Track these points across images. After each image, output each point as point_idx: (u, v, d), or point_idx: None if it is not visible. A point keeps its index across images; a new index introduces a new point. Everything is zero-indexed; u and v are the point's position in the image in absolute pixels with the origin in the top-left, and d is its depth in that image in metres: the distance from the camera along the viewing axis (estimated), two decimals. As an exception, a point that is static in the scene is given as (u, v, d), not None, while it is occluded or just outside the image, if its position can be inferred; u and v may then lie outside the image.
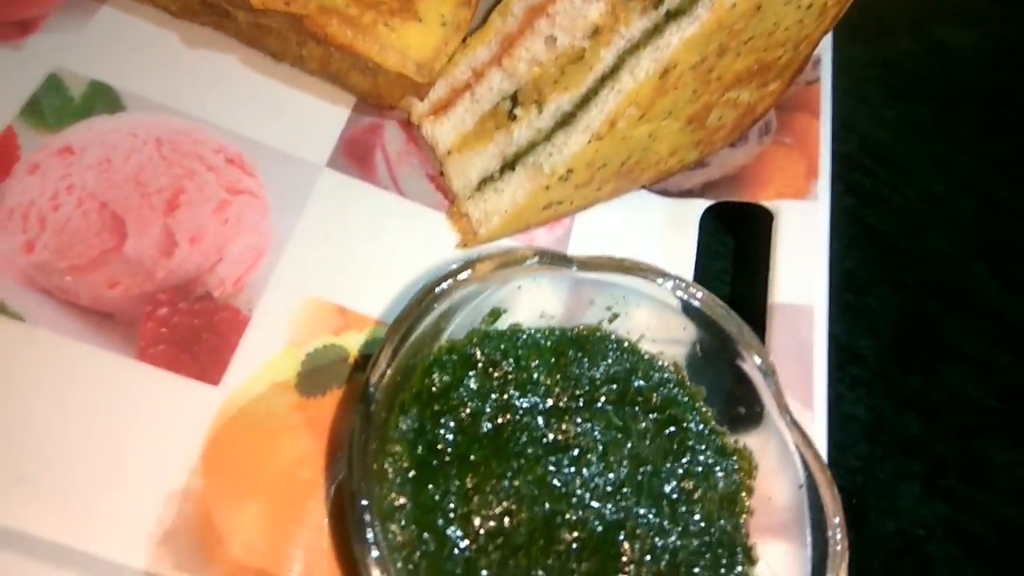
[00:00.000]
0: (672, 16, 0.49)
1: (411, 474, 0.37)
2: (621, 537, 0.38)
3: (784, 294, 0.55)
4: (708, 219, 0.61)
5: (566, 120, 0.52)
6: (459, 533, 0.36)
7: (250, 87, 0.55)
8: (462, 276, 0.38)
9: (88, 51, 0.52)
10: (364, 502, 0.33)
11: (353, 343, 0.48)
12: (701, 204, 0.61)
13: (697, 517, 0.40)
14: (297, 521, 0.42)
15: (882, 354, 0.63)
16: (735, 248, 0.64)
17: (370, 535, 0.32)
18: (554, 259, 0.41)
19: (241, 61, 0.55)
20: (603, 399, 0.42)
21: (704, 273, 0.60)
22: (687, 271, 0.59)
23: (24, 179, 0.47)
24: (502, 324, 0.42)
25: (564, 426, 0.40)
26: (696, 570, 0.38)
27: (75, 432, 0.41)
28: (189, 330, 0.45)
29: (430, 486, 0.37)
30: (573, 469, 0.39)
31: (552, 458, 0.39)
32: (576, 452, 0.40)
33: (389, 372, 0.36)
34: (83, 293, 0.44)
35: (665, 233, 0.60)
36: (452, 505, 0.37)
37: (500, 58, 0.55)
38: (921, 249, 0.70)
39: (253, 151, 0.52)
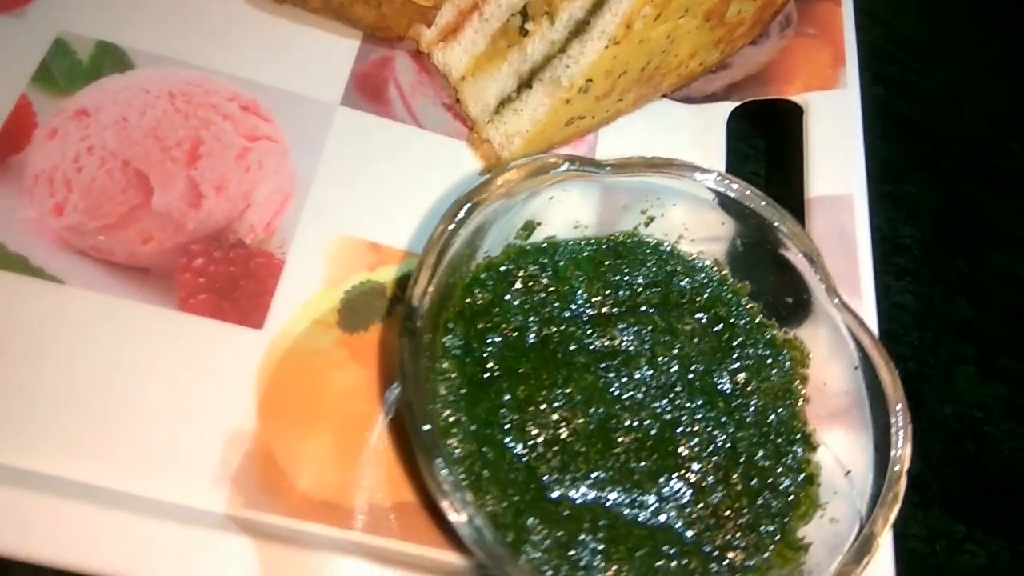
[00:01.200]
0: (681, -96, 0.47)
1: (463, 390, 0.37)
2: (677, 435, 0.38)
3: (821, 187, 0.54)
4: (735, 122, 0.59)
5: (580, 28, 0.50)
6: (517, 443, 0.36)
7: (256, 32, 0.54)
8: (491, 187, 0.38)
9: (90, 11, 0.51)
10: (426, 426, 0.33)
11: (388, 277, 0.48)
12: (727, 107, 0.59)
13: (752, 409, 0.39)
14: (355, 451, 0.42)
15: (925, 241, 0.62)
16: (766, 148, 0.62)
17: (436, 453, 0.32)
18: (584, 164, 0.40)
19: (244, 5, 0.54)
20: (646, 303, 0.41)
21: (735, 174, 0.58)
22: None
23: (44, 144, 0.47)
24: (537, 237, 0.42)
25: (610, 332, 0.40)
26: (756, 460, 0.38)
27: (130, 387, 0.42)
28: (226, 278, 0.45)
29: (483, 400, 0.37)
30: (623, 373, 0.39)
31: (601, 364, 0.39)
32: (624, 357, 0.40)
33: (430, 291, 0.35)
34: (117, 250, 0.45)
35: (692, 140, 0.58)
36: (507, 417, 0.37)
37: (505, -28, 0.53)
38: (956, 134, 0.68)
39: (266, 96, 0.51)
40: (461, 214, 0.36)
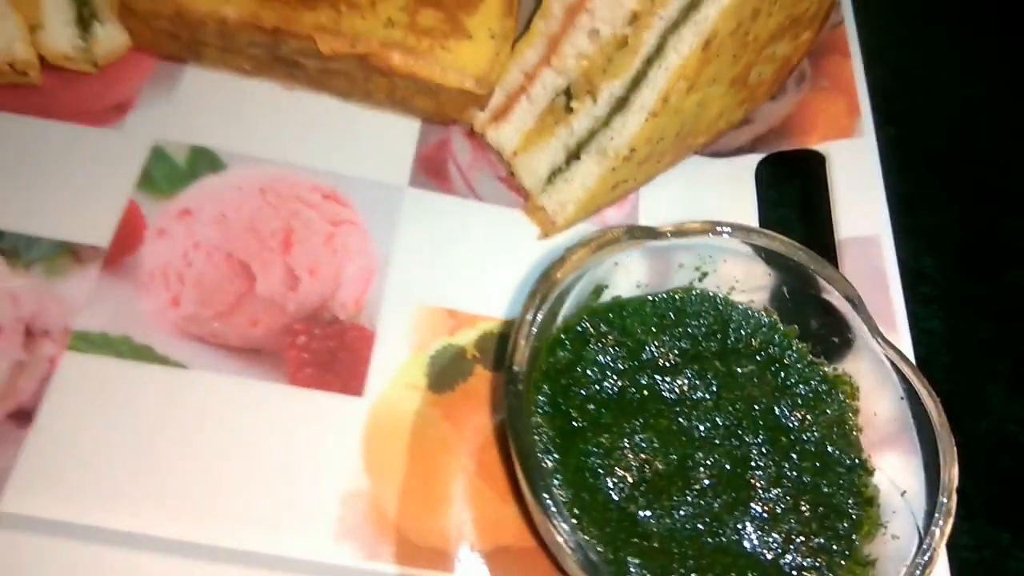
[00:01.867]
0: (706, -8, 0.53)
1: (556, 441, 0.42)
2: (749, 468, 0.43)
3: (850, 229, 0.59)
4: (763, 171, 0.65)
5: (620, 104, 0.56)
6: (609, 486, 0.41)
7: (328, 127, 0.60)
8: (566, 263, 0.43)
9: (181, 119, 0.58)
10: (538, 471, 0.38)
11: (467, 339, 0.53)
12: (754, 159, 0.65)
13: (812, 441, 0.44)
14: (455, 500, 0.47)
15: (948, 268, 0.66)
16: (794, 194, 0.67)
17: (547, 497, 0.37)
18: (643, 232, 0.45)
19: (315, 105, 0.60)
20: (707, 351, 0.46)
21: (767, 222, 0.64)
22: (751, 222, 0.62)
23: (155, 244, 0.52)
24: (605, 298, 0.47)
25: (678, 380, 0.45)
26: (821, 487, 0.43)
27: (253, 456, 0.47)
28: (327, 352, 0.51)
29: (573, 449, 0.42)
30: (693, 416, 0.44)
31: (674, 409, 0.44)
32: (693, 401, 0.44)
33: (525, 356, 0.40)
34: (231, 335, 0.50)
35: (725, 191, 0.63)
36: (596, 462, 0.42)
37: (548, 58, 0.59)
38: (969, 159, 0.73)
39: (343, 184, 0.57)
40: (543, 290, 0.42)
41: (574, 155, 0.58)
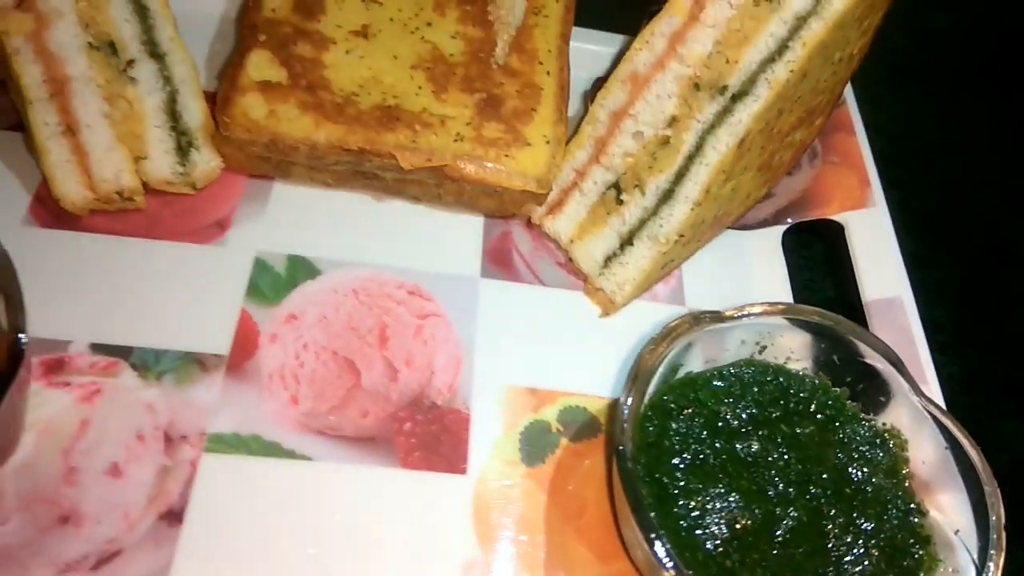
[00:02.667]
0: (737, 97, 0.60)
1: (655, 506, 0.48)
2: (822, 519, 0.49)
3: (874, 292, 0.66)
4: (787, 238, 0.72)
5: (667, 196, 0.64)
6: (705, 543, 0.47)
7: (405, 228, 0.66)
8: (646, 357, 0.50)
9: (275, 232, 0.64)
10: (656, 531, 0.44)
11: (550, 415, 0.59)
12: (779, 229, 0.73)
13: (872, 490, 0.51)
14: (562, 561, 0.53)
15: (957, 317, 0.74)
16: (817, 258, 0.75)
17: (665, 553, 0.43)
18: (712, 317, 0.52)
19: (391, 210, 0.67)
20: (772, 416, 0.53)
21: (796, 284, 0.71)
22: (783, 286, 0.70)
23: (269, 348, 0.58)
24: (680, 375, 0.54)
25: (750, 443, 0.51)
26: (885, 530, 0.49)
27: (377, 536, 0.52)
28: (431, 435, 0.57)
29: (670, 513, 0.48)
30: (767, 475, 0.50)
31: (751, 470, 0.50)
32: (765, 462, 0.51)
33: (629, 435, 0.47)
34: (346, 426, 0.56)
35: (756, 261, 0.71)
36: (692, 523, 0.48)
37: (597, 156, 0.66)
38: (965, 216, 0.81)
39: (425, 280, 0.64)
40: (635, 378, 0.48)
41: (627, 241, 0.65)
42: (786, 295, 0.69)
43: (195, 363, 0.57)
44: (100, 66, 0.60)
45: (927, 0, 0.98)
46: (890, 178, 0.81)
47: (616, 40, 0.79)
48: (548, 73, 0.68)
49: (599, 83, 0.69)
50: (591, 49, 0.76)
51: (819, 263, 0.75)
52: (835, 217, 0.71)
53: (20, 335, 0.45)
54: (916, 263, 0.76)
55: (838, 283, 0.72)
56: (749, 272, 0.70)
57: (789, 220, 0.73)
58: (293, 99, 0.62)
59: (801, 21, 0.58)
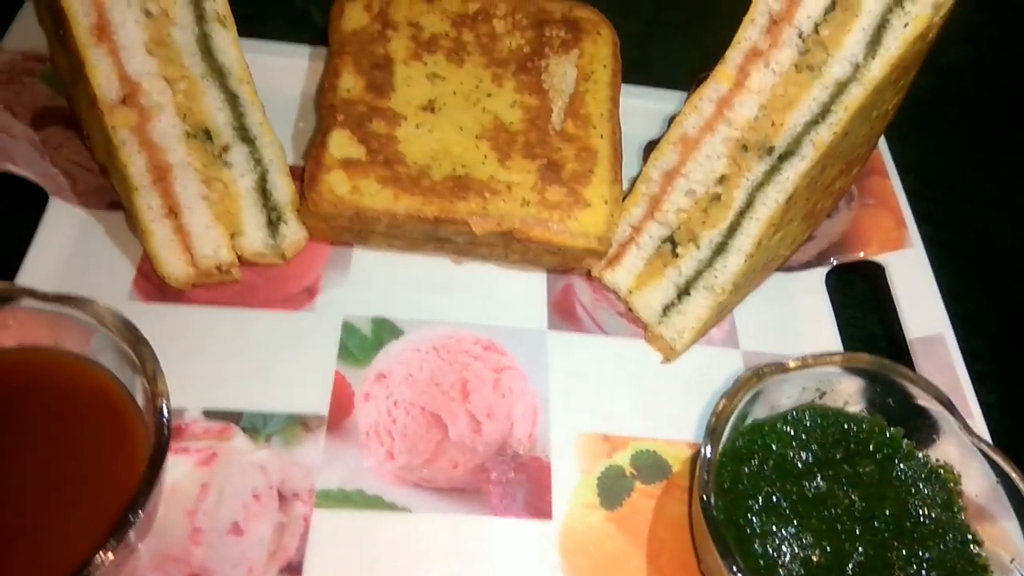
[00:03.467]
0: (784, 157, 0.65)
1: (735, 547, 0.52)
2: (888, 553, 0.53)
3: (917, 330, 0.71)
4: (831, 278, 0.77)
5: (720, 249, 0.68)
6: (784, 577, 0.52)
7: (475, 286, 0.72)
8: (720, 412, 0.55)
9: (360, 295, 0.69)
10: (743, 568, 0.49)
11: (624, 460, 0.64)
12: (822, 271, 0.77)
13: (932, 523, 0.55)
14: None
15: (995, 346, 0.78)
16: (859, 296, 0.79)
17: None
18: (778, 368, 0.57)
19: (463, 269, 0.72)
20: (834, 457, 0.57)
21: (842, 322, 0.76)
22: (830, 325, 0.74)
23: (363, 406, 0.63)
24: (748, 422, 0.58)
25: (817, 484, 0.56)
26: (947, 561, 0.53)
27: (475, 579, 0.57)
28: (517, 484, 0.61)
29: (749, 553, 0.53)
30: (834, 513, 0.55)
31: (818, 509, 0.55)
32: (831, 500, 0.55)
33: (711, 484, 0.52)
34: (439, 478, 0.61)
35: (803, 301, 0.76)
36: (769, 563, 0.52)
37: (652, 213, 0.71)
38: (994, 249, 0.85)
39: (498, 334, 0.69)
40: (713, 431, 0.53)
41: (684, 291, 0.70)
42: (833, 333, 0.74)
43: (299, 424, 0.62)
44: (197, 152, 0.65)
45: (947, 36, 1.03)
46: (922, 213, 0.85)
47: (661, 95, 0.85)
48: (601, 136, 0.73)
49: (651, 146, 0.75)
50: (640, 105, 0.81)
51: (862, 300, 0.79)
52: (875, 258, 0.76)
53: (164, 416, 0.50)
54: (951, 296, 0.81)
55: (882, 319, 0.76)
56: (797, 312, 0.75)
57: (832, 260, 0.77)
58: (373, 174, 0.68)
59: (841, 87, 0.63)
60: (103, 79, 0.61)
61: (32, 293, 0.56)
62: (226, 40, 0.65)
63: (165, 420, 0.51)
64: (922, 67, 0.76)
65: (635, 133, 0.79)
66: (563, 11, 0.80)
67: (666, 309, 0.71)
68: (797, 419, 0.58)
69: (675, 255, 0.71)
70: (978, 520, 0.56)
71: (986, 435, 0.65)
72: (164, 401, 0.51)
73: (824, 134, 0.63)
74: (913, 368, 0.69)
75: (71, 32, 0.61)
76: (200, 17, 0.64)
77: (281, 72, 0.79)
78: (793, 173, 0.65)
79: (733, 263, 0.68)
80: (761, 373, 0.56)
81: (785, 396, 0.59)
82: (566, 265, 0.74)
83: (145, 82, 0.62)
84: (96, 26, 0.61)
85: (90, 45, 0.61)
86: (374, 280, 0.71)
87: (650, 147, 0.75)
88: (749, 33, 0.66)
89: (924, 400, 0.58)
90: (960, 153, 0.94)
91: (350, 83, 0.72)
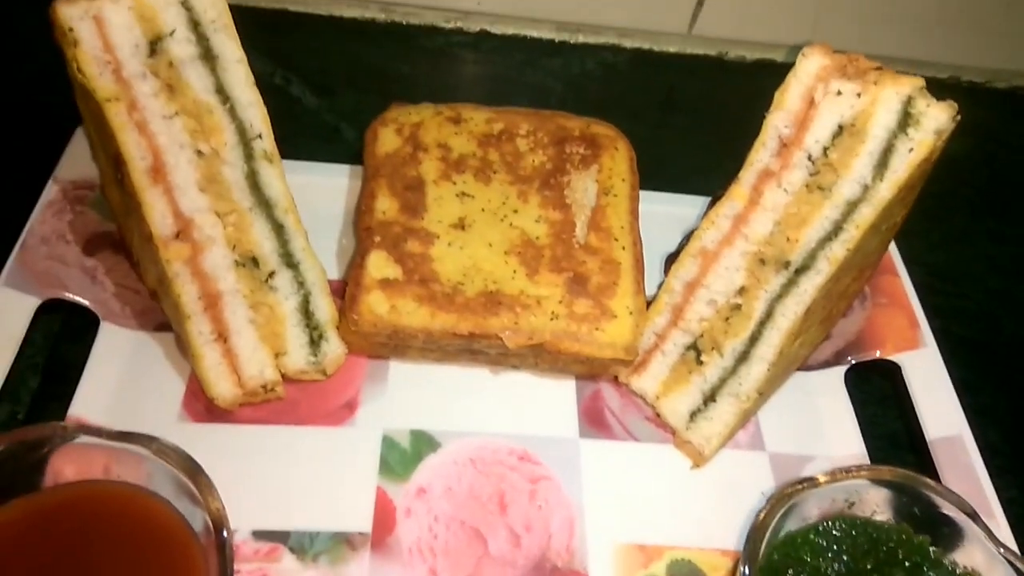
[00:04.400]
0: (801, 271, 0.69)
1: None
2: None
3: (936, 430, 0.73)
4: (849, 374, 0.79)
5: (743, 357, 0.71)
6: None
7: (508, 396, 0.74)
8: (763, 524, 0.57)
9: (397, 408, 0.72)
10: None
11: (659, 570, 0.66)
12: (840, 370, 0.80)
13: (960, 628, 0.57)
14: None
15: (1011, 438, 0.80)
16: (876, 392, 0.82)
17: None
18: (809, 483, 0.59)
19: (495, 379, 0.75)
20: (866, 566, 0.59)
21: (862, 419, 0.78)
22: (851, 423, 0.77)
23: (405, 522, 0.66)
24: (782, 534, 0.60)
25: (848, 593, 0.58)
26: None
27: None
28: (557, 598, 0.63)
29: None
30: (869, 621, 0.57)
31: (854, 617, 0.57)
32: (865, 609, 0.57)
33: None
34: (482, 594, 0.63)
35: (822, 400, 0.78)
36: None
37: (675, 321, 0.75)
38: (1005, 339, 0.88)
39: (531, 444, 0.71)
40: (749, 547, 0.55)
41: (710, 398, 0.73)
42: (855, 432, 0.76)
43: (344, 543, 0.64)
44: (245, 279, 0.69)
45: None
46: (932, 306, 0.88)
47: (673, 199, 0.89)
48: (623, 248, 0.77)
49: (671, 258, 0.78)
50: (654, 210, 0.85)
51: (880, 397, 0.82)
52: (891, 357, 0.79)
53: (226, 548, 0.53)
54: (966, 388, 0.83)
55: (902, 416, 0.79)
56: (818, 411, 0.77)
57: (850, 360, 0.80)
58: (410, 293, 0.71)
59: (852, 207, 0.67)
60: (158, 217, 0.65)
61: (89, 430, 0.58)
62: (272, 175, 0.70)
63: (227, 552, 0.53)
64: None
65: (651, 238, 0.82)
66: (581, 128, 0.85)
67: (693, 415, 0.74)
68: (828, 530, 0.60)
69: (699, 362, 0.74)
70: (1009, 627, 0.58)
71: (1009, 535, 0.67)
72: (226, 532, 0.53)
73: (838, 250, 0.67)
74: (935, 469, 0.72)
75: (128, 175, 0.65)
76: (249, 155, 0.68)
77: (324, 191, 0.84)
78: (810, 286, 0.69)
79: (756, 371, 0.71)
80: (793, 490, 0.59)
81: (816, 507, 0.61)
82: (594, 372, 0.77)
83: (198, 217, 0.67)
84: (152, 168, 0.65)
85: (147, 187, 0.65)
86: (411, 392, 0.73)
87: (670, 259, 0.78)
88: (761, 155, 0.71)
89: (948, 509, 0.61)
90: (964, 243, 0.98)
91: (385, 205, 0.76)
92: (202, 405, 0.70)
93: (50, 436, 0.56)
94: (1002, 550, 0.58)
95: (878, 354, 0.80)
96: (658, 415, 0.75)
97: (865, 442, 0.76)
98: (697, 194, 0.91)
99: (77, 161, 0.81)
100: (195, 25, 0.66)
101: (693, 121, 1.07)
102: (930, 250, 0.95)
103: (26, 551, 0.56)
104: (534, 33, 1.13)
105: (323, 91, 1.02)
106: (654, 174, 0.83)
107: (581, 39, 1.14)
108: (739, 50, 1.15)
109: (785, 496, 0.58)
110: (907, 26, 1.10)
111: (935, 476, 0.72)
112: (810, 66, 0.68)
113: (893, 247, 0.86)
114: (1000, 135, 1.13)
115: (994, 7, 1.10)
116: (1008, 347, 0.88)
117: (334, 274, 0.79)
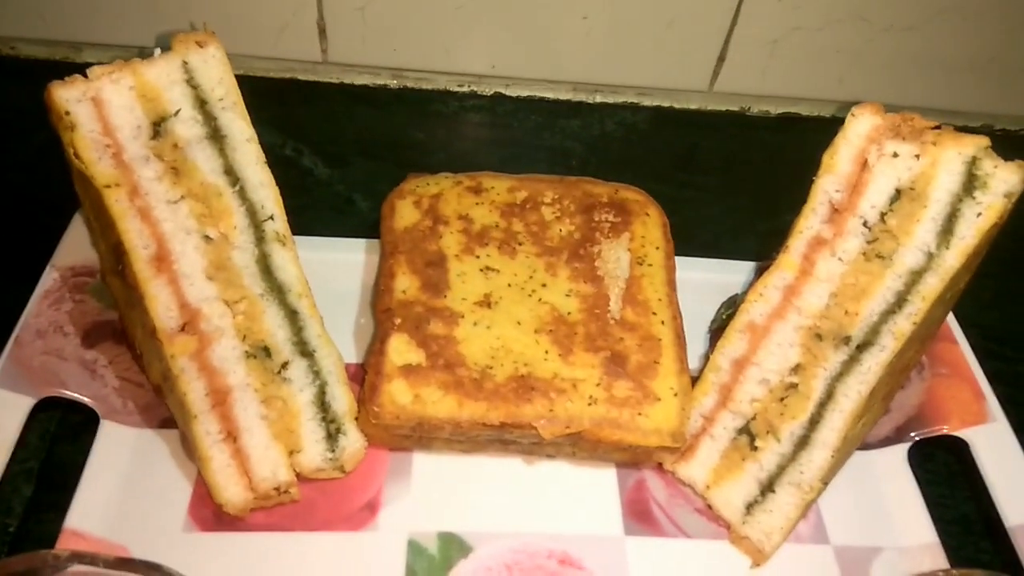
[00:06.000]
0: (863, 347, 0.63)
1: None
2: None
3: (1016, 517, 0.66)
4: (912, 451, 0.73)
5: (803, 442, 0.65)
6: None
7: (543, 489, 0.68)
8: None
9: (423, 508, 0.66)
10: None
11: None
12: (903, 447, 0.73)
13: None
14: None
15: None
16: (942, 470, 0.75)
17: None
18: None
19: (528, 470, 0.69)
20: None
21: (929, 501, 0.71)
22: (918, 506, 0.69)
23: (437, 643, 0.59)
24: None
25: None
26: None
27: None
28: None
29: None
30: None
31: None
32: None
33: None
34: None
35: (886, 481, 0.71)
36: None
37: (724, 402, 0.68)
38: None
39: (571, 544, 0.65)
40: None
41: (768, 488, 0.66)
42: (924, 516, 0.69)
43: (370, 669, 0.57)
44: (257, 372, 0.63)
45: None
46: (992, 372, 0.82)
47: (708, 265, 0.84)
48: (663, 323, 0.71)
49: (717, 332, 0.73)
50: (690, 277, 0.79)
51: (947, 476, 0.75)
52: (958, 434, 0.72)
53: None
54: (1036, 464, 0.76)
55: (973, 497, 0.72)
56: (882, 495, 0.70)
57: (912, 435, 0.73)
58: (434, 381, 0.65)
59: (916, 276, 0.61)
60: (162, 309, 0.60)
61: (83, 557, 0.52)
62: (286, 258, 0.65)
63: None
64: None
65: (687, 308, 0.76)
66: (609, 193, 0.80)
67: (750, 507, 0.67)
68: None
69: (753, 448, 0.67)
70: None
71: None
72: None
73: (903, 324, 0.61)
74: (1016, 559, 0.65)
75: (129, 265, 0.60)
76: (260, 239, 0.64)
77: (338, 267, 0.79)
78: (874, 363, 0.63)
79: (819, 457, 0.64)
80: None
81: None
82: (637, 460, 0.70)
83: (205, 307, 0.61)
84: (155, 256, 0.60)
85: (150, 278, 0.60)
86: (438, 489, 0.67)
87: (716, 333, 0.73)
88: (811, 222, 0.65)
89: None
90: (1017, 303, 0.92)
91: (405, 284, 0.71)
92: (210, 512, 0.64)
93: (40, 567, 0.50)
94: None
95: (945, 430, 0.73)
96: (709, 507, 0.69)
97: (936, 528, 0.68)
98: (727, 257, 0.86)
99: (76, 246, 0.76)
100: (202, 104, 0.62)
101: (719, 180, 1.03)
102: (982, 310, 0.89)
103: None
104: (550, 95, 1.09)
105: (335, 161, 0.97)
106: (681, 237, 0.78)
107: (599, 99, 1.10)
108: (763, 105, 1.10)
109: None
110: (936, 74, 1.06)
111: (1017, 566, 0.65)
112: (860, 126, 0.63)
113: (952, 319, 0.81)
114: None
115: (1026, 53, 1.06)
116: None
117: (352, 357, 0.74)
